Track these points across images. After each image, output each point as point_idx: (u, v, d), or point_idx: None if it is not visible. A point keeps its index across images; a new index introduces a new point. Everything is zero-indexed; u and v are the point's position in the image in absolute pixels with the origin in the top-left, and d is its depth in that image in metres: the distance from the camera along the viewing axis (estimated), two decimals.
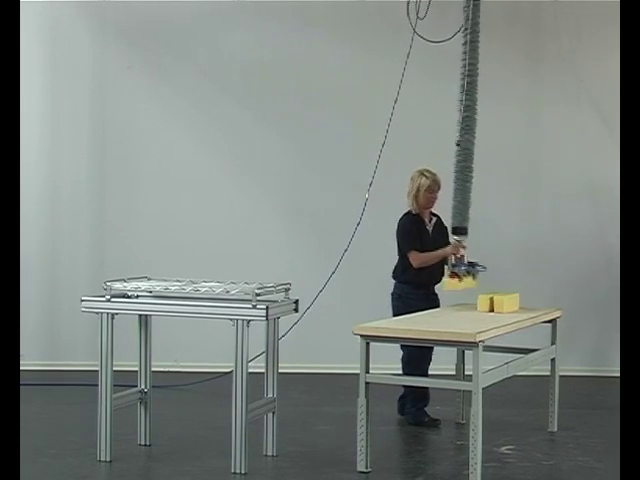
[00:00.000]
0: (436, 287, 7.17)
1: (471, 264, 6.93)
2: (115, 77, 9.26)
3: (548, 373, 6.99)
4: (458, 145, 6.79)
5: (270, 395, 6.18)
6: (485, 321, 6.11)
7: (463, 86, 6.77)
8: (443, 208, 7.13)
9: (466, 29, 6.80)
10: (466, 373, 6.85)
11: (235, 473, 5.78)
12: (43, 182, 9.22)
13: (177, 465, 6.00)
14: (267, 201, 9.31)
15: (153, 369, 6.51)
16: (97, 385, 6.07)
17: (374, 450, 5.91)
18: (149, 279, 6.42)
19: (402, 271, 7.11)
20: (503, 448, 6.43)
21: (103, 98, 9.28)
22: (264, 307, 5.75)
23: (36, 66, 9.11)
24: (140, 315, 6.35)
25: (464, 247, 6.93)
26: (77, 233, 9.25)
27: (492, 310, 6.57)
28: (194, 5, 9.24)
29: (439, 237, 7.14)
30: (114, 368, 6.07)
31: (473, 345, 5.59)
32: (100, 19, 9.25)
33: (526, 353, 6.57)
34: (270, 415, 6.16)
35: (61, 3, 9.13)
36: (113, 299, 6.05)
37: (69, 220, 9.24)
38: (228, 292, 5.98)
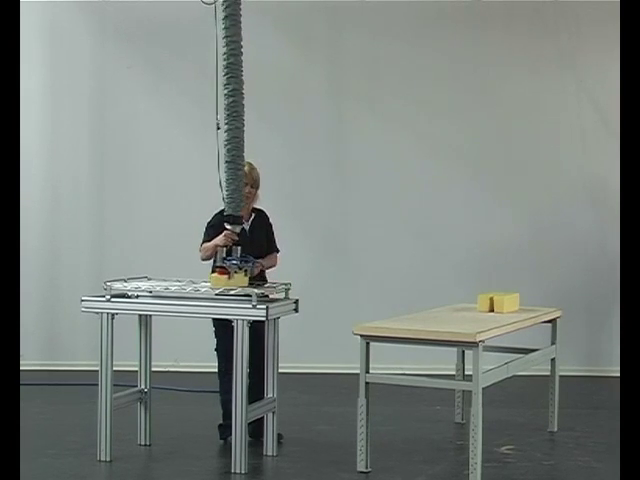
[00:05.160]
0: None
1: (244, 258, 6.08)
2: (115, 77, 9.26)
3: (548, 373, 6.99)
4: (218, 128, 6.20)
5: (270, 395, 6.18)
6: (485, 321, 6.11)
7: (226, 67, 6.02)
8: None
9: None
10: (466, 373, 6.85)
11: (235, 473, 5.78)
12: (43, 182, 9.21)
13: (177, 465, 6.00)
14: (266, 201, 9.28)
15: (153, 369, 6.51)
16: (97, 385, 6.08)
17: (374, 450, 5.91)
18: (149, 279, 6.42)
19: None
20: (503, 448, 6.42)
21: (103, 98, 9.27)
22: (264, 307, 5.75)
23: (36, 66, 9.11)
24: (140, 315, 6.35)
25: (237, 239, 6.13)
26: (77, 233, 9.24)
27: (492, 310, 6.57)
28: (194, 5, 9.21)
29: (259, 234, 6.57)
30: (114, 368, 6.07)
31: (473, 345, 5.59)
32: (100, 19, 9.24)
33: (526, 353, 6.57)
34: (270, 415, 6.16)
35: (61, 3, 9.13)
36: (113, 299, 6.04)
37: (69, 220, 9.23)
38: (228, 292, 5.98)
